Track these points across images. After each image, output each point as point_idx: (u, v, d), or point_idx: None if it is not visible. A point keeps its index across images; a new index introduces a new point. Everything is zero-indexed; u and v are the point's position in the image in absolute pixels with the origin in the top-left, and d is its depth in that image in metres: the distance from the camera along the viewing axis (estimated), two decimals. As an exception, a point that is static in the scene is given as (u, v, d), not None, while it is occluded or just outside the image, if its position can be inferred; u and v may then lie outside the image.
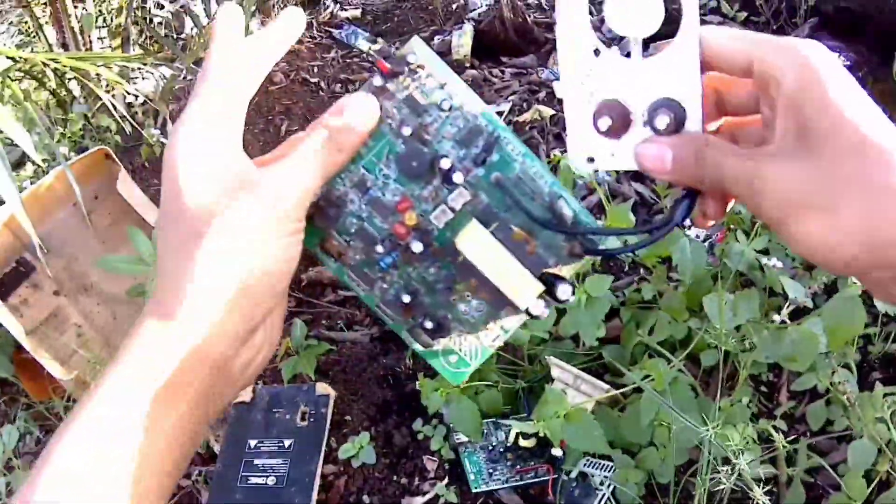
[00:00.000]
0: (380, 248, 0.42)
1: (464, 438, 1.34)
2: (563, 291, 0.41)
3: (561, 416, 1.17)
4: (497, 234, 0.40)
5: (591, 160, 0.38)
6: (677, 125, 0.37)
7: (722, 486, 0.88)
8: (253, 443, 1.36)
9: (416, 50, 0.41)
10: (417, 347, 0.44)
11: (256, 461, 1.32)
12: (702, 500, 1.00)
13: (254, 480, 1.29)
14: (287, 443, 1.35)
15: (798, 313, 1.18)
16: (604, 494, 1.23)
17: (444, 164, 0.41)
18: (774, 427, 1.03)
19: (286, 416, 1.40)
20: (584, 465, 1.27)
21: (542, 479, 1.28)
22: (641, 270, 1.58)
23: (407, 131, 0.41)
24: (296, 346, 1.46)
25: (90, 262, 1.57)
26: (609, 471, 1.24)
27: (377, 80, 0.41)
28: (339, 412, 1.43)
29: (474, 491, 1.27)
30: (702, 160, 0.36)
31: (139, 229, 1.40)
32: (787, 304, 1.07)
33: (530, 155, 0.42)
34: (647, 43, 0.37)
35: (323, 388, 1.43)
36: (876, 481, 1.02)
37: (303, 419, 1.38)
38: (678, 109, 0.37)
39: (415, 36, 0.43)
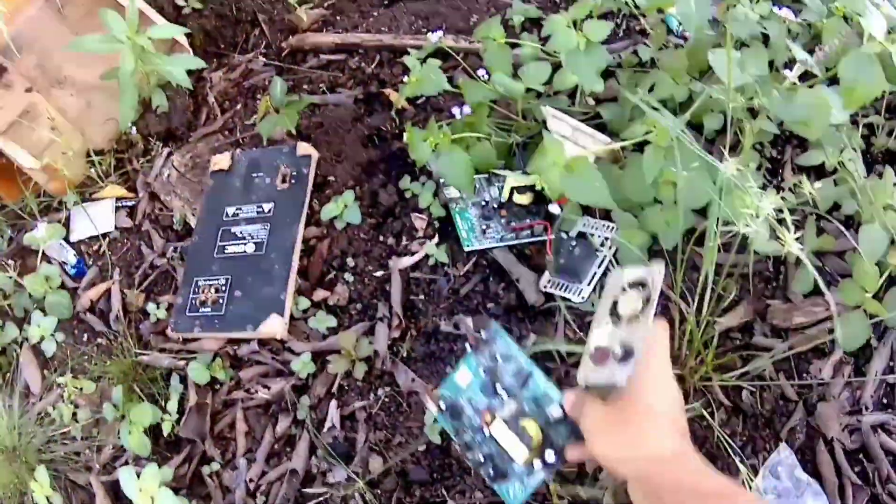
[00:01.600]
0: (475, 427, 0.81)
1: (455, 194, 1.25)
2: (555, 410, 0.77)
3: (560, 167, 1.04)
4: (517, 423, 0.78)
5: (586, 377, 0.66)
6: (627, 355, 0.64)
7: (734, 232, 0.80)
8: (231, 210, 1.32)
9: (489, 330, 0.81)
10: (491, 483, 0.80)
11: (234, 229, 1.29)
12: (711, 256, 0.88)
13: (231, 250, 1.27)
14: (267, 207, 1.30)
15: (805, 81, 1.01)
16: (605, 256, 1.14)
17: (500, 389, 0.80)
18: (782, 198, 0.88)
19: (266, 179, 1.34)
20: (584, 225, 1.16)
21: (539, 238, 1.19)
22: (638, 34, 1.38)
23: (488, 374, 0.81)
24: (276, 103, 1.35)
25: (63, 55, 1.50)
26: (610, 231, 1.13)
27: (469, 349, 0.82)
28: (322, 174, 1.35)
29: (466, 250, 1.20)
30: (578, 405, 0.71)
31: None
32: (797, 65, 0.87)
33: (550, 387, 0.78)
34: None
35: (304, 148, 1.34)
36: (886, 274, 0.90)
37: (283, 182, 1.31)
38: (631, 349, 0.64)
39: (491, 320, 0.88)
